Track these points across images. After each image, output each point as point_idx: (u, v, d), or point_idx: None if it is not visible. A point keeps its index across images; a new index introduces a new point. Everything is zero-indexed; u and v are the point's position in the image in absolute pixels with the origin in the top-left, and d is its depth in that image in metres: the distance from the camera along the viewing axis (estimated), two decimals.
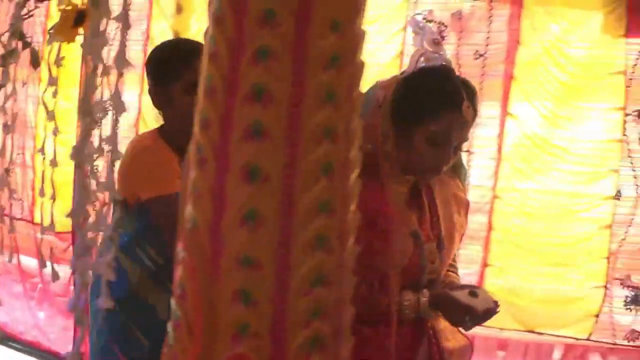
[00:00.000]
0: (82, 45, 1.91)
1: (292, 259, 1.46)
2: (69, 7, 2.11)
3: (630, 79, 4.78)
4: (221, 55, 1.42)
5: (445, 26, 5.12)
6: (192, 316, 1.50)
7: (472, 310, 2.53)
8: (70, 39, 2.12)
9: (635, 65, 4.77)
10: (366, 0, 1.51)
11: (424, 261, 2.65)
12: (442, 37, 5.03)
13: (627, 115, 4.82)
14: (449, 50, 4.86)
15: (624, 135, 4.83)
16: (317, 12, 1.38)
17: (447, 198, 2.74)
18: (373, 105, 2.51)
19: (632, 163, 4.83)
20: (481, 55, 5.03)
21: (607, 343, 4.75)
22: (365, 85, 1.68)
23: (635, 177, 4.84)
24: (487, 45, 5.06)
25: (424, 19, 4.88)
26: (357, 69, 1.48)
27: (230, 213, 1.44)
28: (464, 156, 3.56)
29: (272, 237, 1.46)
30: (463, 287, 2.74)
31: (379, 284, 2.65)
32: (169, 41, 3.67)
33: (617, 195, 4.80)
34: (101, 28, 1.71)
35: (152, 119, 4.62)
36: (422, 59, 2.53)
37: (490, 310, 2.58)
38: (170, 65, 2.98)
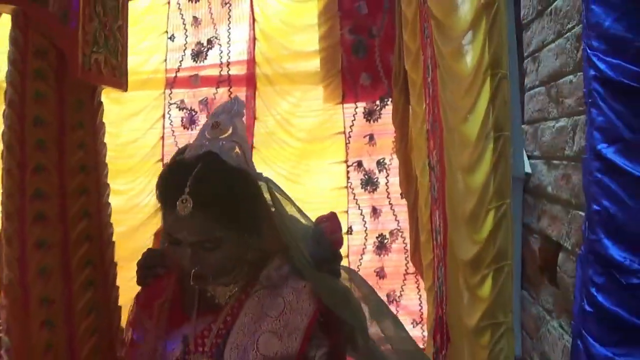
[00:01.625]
0: None
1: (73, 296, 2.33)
2: None
3: (349, 137, 5.46)
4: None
5: (196, 112, 5.66)
6: (16, 343, 2.26)
7: None
8: None
9: (352, 125, 5.46)
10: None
11: None
12: (194, 121, 5.63)
13: (348, 166, 5.47)
14: (197, 130, 5.50)
15: (349, 182, 5.47)
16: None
17: (263, 311, 2.21)
18: None
19: (357, 204, 5.47)
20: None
21: None
22: None
23: (362, 215, 5.49)
24: None
25: (177, 107, 5.60)
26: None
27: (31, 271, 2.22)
28: None
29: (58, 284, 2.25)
30: None
31: None
32: None
33: (350, 231, 5.40)
34: None
35: None
36: (193, 148, 2.19)
37: None
38: None
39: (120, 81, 3.49)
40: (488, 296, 2.03)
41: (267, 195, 2.19)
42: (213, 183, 2.05)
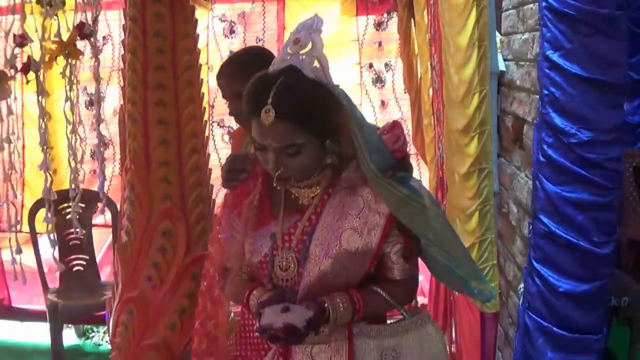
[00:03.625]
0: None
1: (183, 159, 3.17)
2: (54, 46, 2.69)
3: (362, 43, 5.88)
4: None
5: (235, 23, 5.90)
6: (139, 196, 3.04)
7: (268, 328, 2.04)
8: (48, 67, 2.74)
9: (364, 34, 5.87)
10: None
11: (271, 266, 2.24)
12: (233, 31, 5.87)
13: (361, 67, 5.91)
14: (238, 39, 5.86)
15: (362, 80, 5.90)
16: None
17: (344, 210, 2.18)
18: None
19: (369, 98, 5.91)
20: (260, 40, 5.86)
21: None
22: None
23: (372, 107, 5.93)
24: (263, 32, 5.89)
25: (219, 19, 5.84)
26: None
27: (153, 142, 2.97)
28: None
29: (173, 151, 3.05)
30: (277, 300, 2.14)
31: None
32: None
33: None
34: None
35: None
36: (276, 62, 2.09)
37: (297, 329, 2.03)
38: None
39: (206, 2, 3.89)
40: (474, 151, 2.58)
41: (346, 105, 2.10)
42: (293, 94, 2.01)
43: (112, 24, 5.92)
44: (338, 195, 2.20)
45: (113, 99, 5.99)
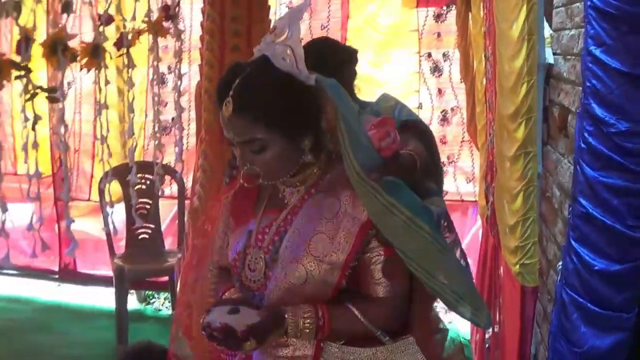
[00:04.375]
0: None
1: None
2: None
3: (421, 33, 5.94)
4: None
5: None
6: None
7: (207, 326, 1.85)
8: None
9: (424, 25, 5.93)
10: None
11: (242, 265, 2.07)
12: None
13: (420, 56, 5.96)
14: (304, 26, 5.86)
15: (420, 69, 5.97)
16: None
17: (319, 212, 1.97)
18: None
19: (427, 86, 5.96)
20: (325, 27, 5.98)
21: None
22: None
23: (430, 94, 5.97)
24: (328, 20, 6.00)
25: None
26: None
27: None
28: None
29: None
30: (234, 302, 1.98)
31: None
32: None
33: (420, 107, 5.87)
34: None
35: None
36: (255, 52, 2.01)
37: (234, 332, 1.82)
38: None
39: None
40: (522, 136, 2.70)
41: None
42: (253, 87, 1.86)
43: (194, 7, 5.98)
44: (318, 197, 2.02)
45: (192, 75, 6.13)
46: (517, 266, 2.84)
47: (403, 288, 2.00)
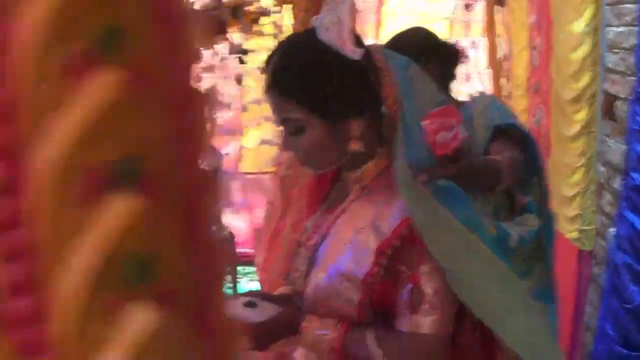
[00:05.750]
0: None
1: None
2: None
3: (452, 22, 6.30)
4: None
5: None
6: None
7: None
8: None
9: (453, 13, 6.28)
10: None
11: (292, 261, 1.80)
12: None
13: None
14: None
15: None
16: None
17: (356, 218, 1.64)
18: None
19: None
20: (359, 11, 6.04)
21: None
22: None
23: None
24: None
25: None
26: None
27: None
28: None
29: None
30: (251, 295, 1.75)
31: None
32: None
33: None
34: None
35: None
36: None
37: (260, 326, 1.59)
38: None
39: None
40: (585, 117, 3.04)
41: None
42: (288, 61, 1.60)
43: None
44: (363, 199, 1.67)
45: None
46: (575, 232, 3.16)
47: (436, 326, 1.55)
